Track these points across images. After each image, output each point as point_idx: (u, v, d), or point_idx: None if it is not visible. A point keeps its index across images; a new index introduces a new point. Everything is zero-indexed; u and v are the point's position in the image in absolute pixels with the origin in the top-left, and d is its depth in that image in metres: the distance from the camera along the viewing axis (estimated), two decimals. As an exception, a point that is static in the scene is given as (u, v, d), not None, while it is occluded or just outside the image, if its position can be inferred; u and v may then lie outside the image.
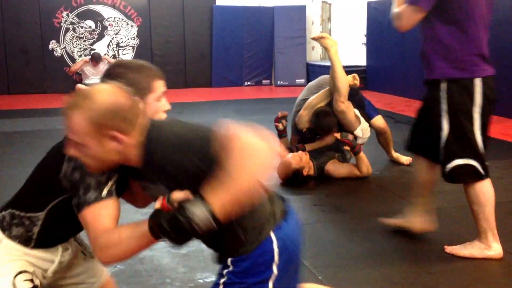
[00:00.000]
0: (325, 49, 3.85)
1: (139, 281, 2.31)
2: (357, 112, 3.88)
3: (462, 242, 2.62)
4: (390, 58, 8.57)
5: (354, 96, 4.00)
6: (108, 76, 1.59)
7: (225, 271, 1.49)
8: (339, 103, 3.67)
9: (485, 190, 2.45)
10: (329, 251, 2.69)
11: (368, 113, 4.11)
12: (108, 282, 1.99)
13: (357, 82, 3.83)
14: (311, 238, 2.84)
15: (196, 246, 2.65)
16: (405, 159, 4.27)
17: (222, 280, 1.49)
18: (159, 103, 1.59)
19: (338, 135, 3.74)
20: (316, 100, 3.89)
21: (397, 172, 4.12)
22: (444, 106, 2.39)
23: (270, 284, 1.49)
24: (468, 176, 2.42)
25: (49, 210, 1.62)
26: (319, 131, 3.90)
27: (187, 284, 2.28)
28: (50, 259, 1.70)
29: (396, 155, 4.32)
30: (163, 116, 1.60)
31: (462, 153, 2.38)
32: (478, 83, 2.34)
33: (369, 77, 9.19)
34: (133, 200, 1.70)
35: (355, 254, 2.64)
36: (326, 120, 3.79)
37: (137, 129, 1.40)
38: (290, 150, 3.94)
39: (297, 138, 4.08)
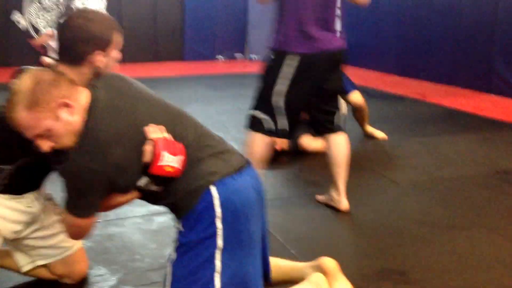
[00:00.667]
0: None
1: (108, 258, 2.25)
2: None
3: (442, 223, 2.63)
4: (365, 32, 8.53)
5: None
6: (69, 27, 1.60)
7: (177, 236, 1.58)
8: None
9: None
10: (302, 225, 2.67)
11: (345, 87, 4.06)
12: (81, 251, 1.99)
13: None
14: (284, 212, 2.81)
15: (166, 222, 2.59)
16: (380, 134, 4.27)
17: (174, 246, 1.58)
18: (116, 54, 1.69)
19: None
20: None
21: (371, 146, 4.12)
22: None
23: (219, 240, 1.52)
24: (256, 127, 2.78)
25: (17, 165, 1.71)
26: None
27: (158, 260, 2.23)
28: (19, 209, 1.79)
29: (370, 129, 4.31)
30: (115, 66, 1.70)
31: (258, 106, 2.78)
32: (289, 57, 2.60)
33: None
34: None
35: (329, 229, 2.63)
36: None
37: (78, 104, 1.51)
38: None
39: None
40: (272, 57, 2.69)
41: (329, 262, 1.82)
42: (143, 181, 1.56)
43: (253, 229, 1.60)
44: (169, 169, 1.52)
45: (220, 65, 9.42)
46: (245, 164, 1.67)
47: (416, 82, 7.20)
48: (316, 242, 2.48)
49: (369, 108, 4.38)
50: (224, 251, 1.53)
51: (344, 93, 3.99)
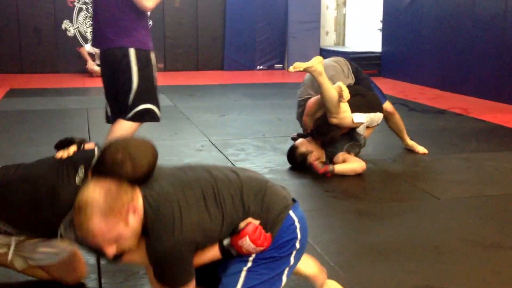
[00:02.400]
0: (317, 74, 3.62)
1: (121, 269, 2.24)
2: (359, 116, 3.70)
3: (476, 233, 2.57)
4: (406, 45, 8.46)
5: (361, 81, 3.92)
6: (110, 153, 1.65)
7: (249, 257, 1.70)
8: (331, 119, 3.63)
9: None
10: (341, 237, 2.67)
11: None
12: (75, 257, 2.04)
13: (345, 96, 3.62)
14: (323, 224, 2.82)
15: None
16: (421, 148, 4.21)
17: (253, 257, 1.69)
18: None
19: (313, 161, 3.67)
20: (315, 106, 3.79)
21: (410, 160, 4.07)
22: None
23: (292, 259, 1.76)
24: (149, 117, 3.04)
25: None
26: (325, 143, 3.81)
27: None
28: None
29: (411, 143, 4.27)
30: None
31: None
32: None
33: (384, 64, 9.09)
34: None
35: (368, 242, 2.61)
36: (329, 135, 3.72)
37: (136, 191, 1.59)
38: (293, 139, 3.91)
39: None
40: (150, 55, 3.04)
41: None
42: (226, 242, 1.67)
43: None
44: (245, 252, 1.67)
45: (259, 75, 9.49)
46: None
47: (458, 96, 7.07)
48: (354, 254, 2.47)
49: (410, 122, 4.34)
50: (291, 268, 1.77)
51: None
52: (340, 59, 4.02)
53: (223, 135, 4.69)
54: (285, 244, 1.72)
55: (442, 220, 2.90)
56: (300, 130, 4.05)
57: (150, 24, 9.53)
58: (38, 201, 1.69)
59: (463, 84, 7.19)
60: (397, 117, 4.16)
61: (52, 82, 7.97)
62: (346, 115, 3.60)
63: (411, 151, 4.24)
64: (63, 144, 1.86)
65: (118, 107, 3.07)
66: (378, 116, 3.79)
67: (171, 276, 1.60)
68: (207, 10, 9.70)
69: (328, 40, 10.71)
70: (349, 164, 3.67)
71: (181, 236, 1.56)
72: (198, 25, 9.72)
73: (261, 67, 10.05)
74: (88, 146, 1.87)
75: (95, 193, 1.52)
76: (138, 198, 1.59)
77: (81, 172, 1.72)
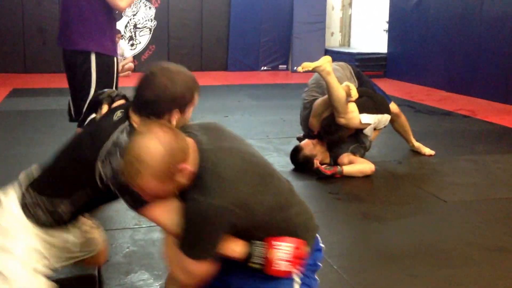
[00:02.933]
0: (326, 74, 3.57)
1: (151, 263, 2.27)
2: (366, 117, 3.66)
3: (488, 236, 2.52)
4: (412, 46, 8.39)
5: (364, 84, 3.87)
6: (153, 85, 1.59)
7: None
8: (339, 119, 3.59)
9: None
10: (345, 240, 2.62)
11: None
12: (103, 250, 2.01)
13: (353, 94, 3.58)
14: (326, 226, 2.77)
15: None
16: (427, 150, 4.16)
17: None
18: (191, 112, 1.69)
19: (318, 164, 3.60)
20: (322, 107, 3.74)
21: (416, 162, 4.01)
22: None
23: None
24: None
25: (74, 197, 1.65)
26: (333, 143, 3.77)
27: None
28: (60, 238, 1.72)
29: (417, 145, 4.21)
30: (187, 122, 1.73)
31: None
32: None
33: (389, 65, 9.02)
34: None
35: (373, 246, 2.56)
36: (337, 134, 3.68)
37: (191, 156, 1.49)
38: (299, 139, 3.86)
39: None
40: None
41: None
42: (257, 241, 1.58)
43: None
44: (269, 259, 1.56)
45: (264, 76, 9.45)
46: None
47: (465, 98, 7.00)
48: (359, 258, 2.42)
49: (416, 124, 4.29)
50: None
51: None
52: (342, 63, 3.98)
53: (227, 135, 4.62)
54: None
55: (449, 223, 2.84)
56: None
57: (154, 25, 9.52)
58: (79, 145, 1.69)
59: (470, 85, 7.12)
60: (403, 119, 4.10)
61: (56, 82, 7.95)
62: (354, 115, 3.55)
63: (417, 153, 4.18)
64: (95, 106, 1.84)
65: (75, 110, 3.04)
66: (385, 118, 3.74)
67: (194, 241, 1.47)
68: (212, 11, 9.66)
69: (334, 41, 10.65)
70: (358, 165, 3.63)
71: (231, 203, 1.44)
72: (203, 26, 9.69)
73: (265, 67, 10.00)
74: (119, 102, 1.81)
75: (149, 149, 1.41)
76: (192, 152, 1.49)
77: (119, 112, 1.68)
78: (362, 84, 3.86)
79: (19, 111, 5.81)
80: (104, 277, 2.14)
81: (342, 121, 3.57)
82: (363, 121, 3.60)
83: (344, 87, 3.50)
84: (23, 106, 6.11)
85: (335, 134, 3.66)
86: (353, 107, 3.54)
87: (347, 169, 3.58)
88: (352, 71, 3.91)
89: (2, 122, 5.27)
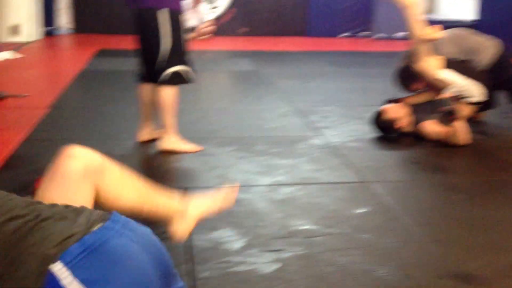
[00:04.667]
0: (406, 6, 3.59)
1: (235, 221, 2.35)
2: (446, 73, 3.55)
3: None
4: (507, 12, 7.86)
5: (502, 72, 3.73)
6: None
7: None
8: (413, 64, 3.62)
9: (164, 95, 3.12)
10: (428, 209, 2.58)
11: None
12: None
13: (435, 35, 3.53)
14: (409, 195, 2.74)
15: (291, 193, 2.65)
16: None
17: None
18: None
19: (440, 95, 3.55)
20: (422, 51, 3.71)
21: (507, 136, 3.84)
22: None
23: None
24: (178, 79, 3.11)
25: None
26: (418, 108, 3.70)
27: (283, 229, 2.29)
28: None
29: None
30: None
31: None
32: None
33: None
34: None
35: (455, 216, 2.51)
36: (402, 80, 3.84)
37: None
38: (389, 101, 3.80)
39: None
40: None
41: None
42: None
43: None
44: None
45: (344, 42, 9.26)
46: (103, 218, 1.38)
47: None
48: (441, 228, 2.38)
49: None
50: None
51: None
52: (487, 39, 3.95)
53: (307, 101, 4.63)
54: None
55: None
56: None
57: (235, -12, 9.53)
58: None
59: None
60: None
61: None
62: (432, 64, 3.55)
63: (506, 126, 3.99)
64: None
65: (147, 68, 3.19)
66: (476, 88, 3.58)
67: None
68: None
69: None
70: (460, 131, 3.47)
71: None
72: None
73: (345, 34, 9.79)
74: None
75: None
76: None
77: None
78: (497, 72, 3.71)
79: (107, 71, 6.09)
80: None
81: (415, 67, 3.59)
82: (440, 75, 3.55)
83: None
84: (110, 66, 6.39)
85: (400, 79, 3.78)
86: (435, 61, 3.57)
87: (457, 124, 3.45)
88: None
89: (92, 81, 5.57)
